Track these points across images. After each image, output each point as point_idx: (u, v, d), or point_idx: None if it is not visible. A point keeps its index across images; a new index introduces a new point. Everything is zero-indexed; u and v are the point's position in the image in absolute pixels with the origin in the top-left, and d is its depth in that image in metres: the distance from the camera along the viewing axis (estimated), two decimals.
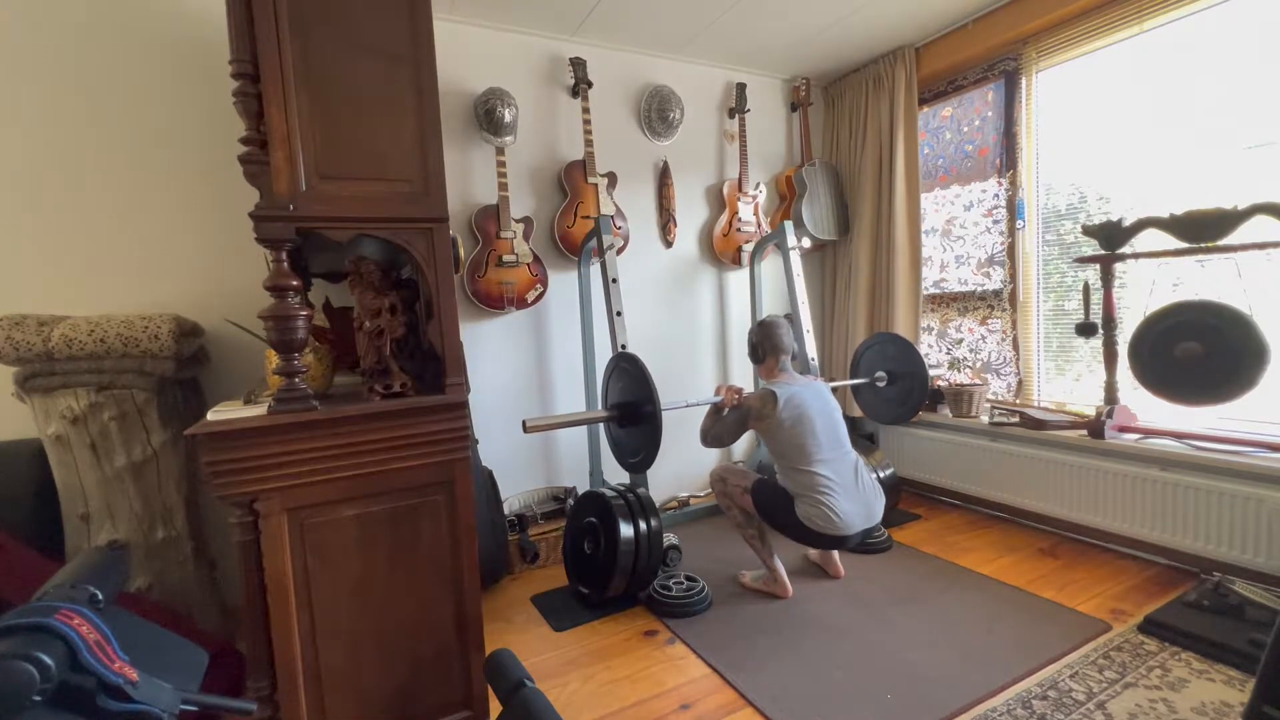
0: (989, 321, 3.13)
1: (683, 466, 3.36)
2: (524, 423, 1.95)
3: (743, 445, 3.50)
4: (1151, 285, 2.45)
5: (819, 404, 2.20)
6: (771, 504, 2.18)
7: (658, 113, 3.10)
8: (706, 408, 2.33)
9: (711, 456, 3.44)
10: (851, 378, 2.92)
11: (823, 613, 2.16)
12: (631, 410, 2.13)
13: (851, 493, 2.11)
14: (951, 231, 3.27)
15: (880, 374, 2.79)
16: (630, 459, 2.20)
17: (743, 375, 3.46)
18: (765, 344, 2.29)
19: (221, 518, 1.80)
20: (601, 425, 2.46)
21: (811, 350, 2.91)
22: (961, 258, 3.24)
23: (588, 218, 2.89)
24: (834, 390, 2.41)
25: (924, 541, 2.73)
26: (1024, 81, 2.87)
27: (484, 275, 2.69)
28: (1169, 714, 1.56)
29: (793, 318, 2.95)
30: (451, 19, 2.65)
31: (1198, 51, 2.35)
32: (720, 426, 2.24)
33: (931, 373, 3.24)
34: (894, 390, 2.77)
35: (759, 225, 3.38)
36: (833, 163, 3.55)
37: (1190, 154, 2.40)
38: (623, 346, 2.51)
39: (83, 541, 1.88)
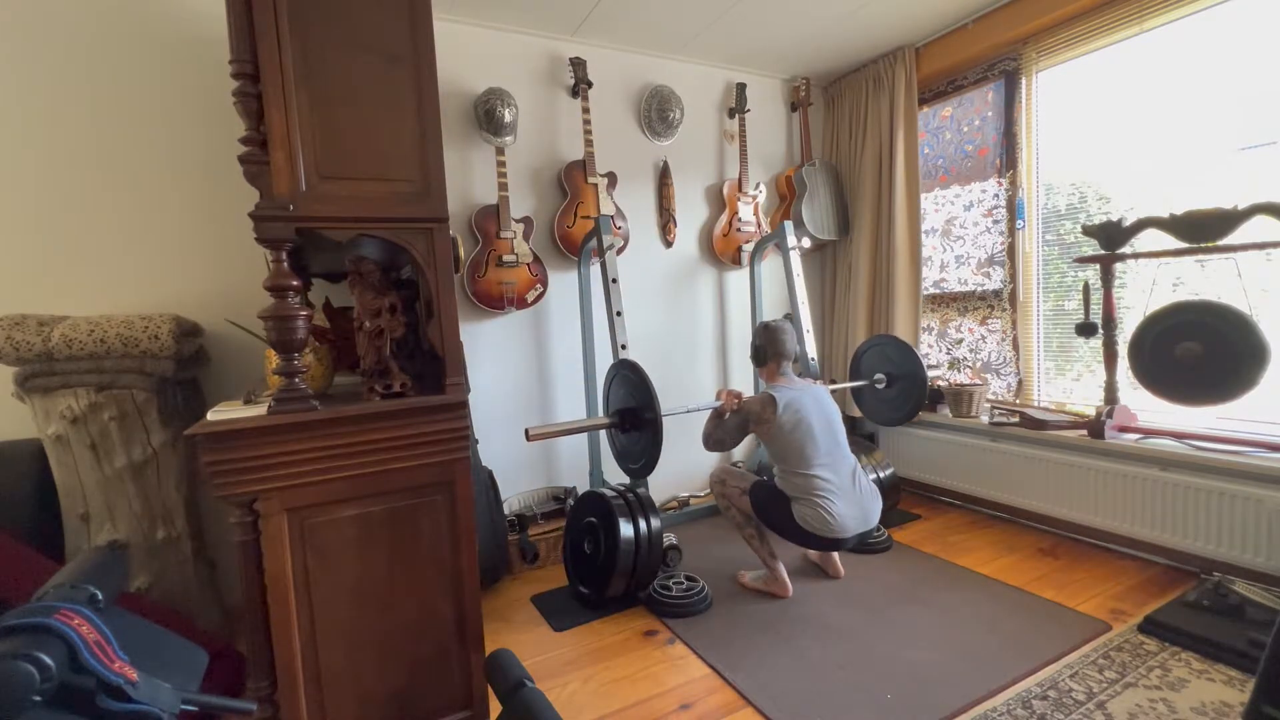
0: (989, 321, 3.13)
1: (683, 467, 3.35)
2: (527, 431, 1.98)
3: (743, 446, 3.49)
4: (1151, 285, 2.45)
5: (818, 408, 2.22)
6: (769, 506, 2.19)
7: (658, 113, 3.10)
8: (707, 413, 2.33)
9: (711, 457, 3.44)
10: (851, 379, 2.92)
11: (823, 612, 2.16)
12: (633, 416, 2.15)
13: (849, 495, 2.12)
14: (951, 231, 3.27)
15: (879, 376, 2.80)
16: (632, 464, 2.21)
17: (743, 375, 3.46)
18: (769, 348, 2.32)
19: (221, 518, 1.80)
20: (603, 432, 2.46)
21: (811, 350, 2.91)
22: (961, 258, 3.24)
23: (588, 218, 2.89)
24: (834, 392, 2.41)
25: (924, 541, 2.73)
26: (1024, 81, 2.87)
27: (484, 275, 2.69)
28: (1169, 714, 1.56)
29: (793, 318, 2.95)
30: (451, 19, 2.65)
31: (1198, 51, 2.35)
32: (721, 430, 2.26)
33: (931, 374, 3.25)
34: (893, 392, 2.78)
35: (759, 225, 3.38)
36: (833, 163, 3.55)
37: (1191, 154, 2.40)
38: (623, 346, 2.51)
39: (83, 541, 1.88)
